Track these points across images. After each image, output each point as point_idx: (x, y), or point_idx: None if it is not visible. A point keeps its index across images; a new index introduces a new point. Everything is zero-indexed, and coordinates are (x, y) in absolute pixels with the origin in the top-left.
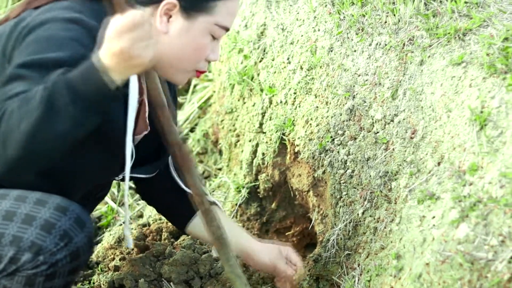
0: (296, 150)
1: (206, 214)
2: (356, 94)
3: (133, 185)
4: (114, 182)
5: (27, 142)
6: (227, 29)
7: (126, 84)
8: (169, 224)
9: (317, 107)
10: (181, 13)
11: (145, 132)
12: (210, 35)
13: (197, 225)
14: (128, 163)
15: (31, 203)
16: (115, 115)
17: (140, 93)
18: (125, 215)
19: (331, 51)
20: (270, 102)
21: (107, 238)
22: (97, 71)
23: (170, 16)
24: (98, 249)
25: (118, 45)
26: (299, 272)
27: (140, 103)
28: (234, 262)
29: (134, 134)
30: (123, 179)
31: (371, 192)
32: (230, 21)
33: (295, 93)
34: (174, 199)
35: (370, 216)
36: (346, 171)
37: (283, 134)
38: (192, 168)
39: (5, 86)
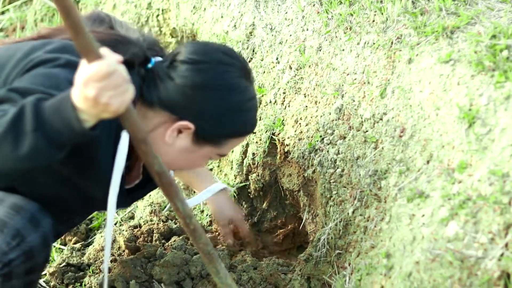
0: (286, 150)
1: (193, 233)
2: (345, 93)
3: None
4: None
5: None
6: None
7: (96, 127)
8: (160, 225)
9: (306, 106)
10: (192, 136)
11: (137, 181)
12: (208, 158)
13: None
14: (110, 228)
15: None
16: (104, 164)
17: (130, 153)
18: (103, 276)
19: (320, 50)
20: (260, 102)
21: (98, 240)
22: (68, 107)
23: (180, 132)
24: (90, 251)
25: (84, 93)
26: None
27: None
28: (224, 273)
29: (124, 185)
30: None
31: (361, 191)
32: (230, 151)
33: (284, 92)
34: None
35: (360, 215)
36: (336, 170)
37: (273, 134)
38: (175, 195)
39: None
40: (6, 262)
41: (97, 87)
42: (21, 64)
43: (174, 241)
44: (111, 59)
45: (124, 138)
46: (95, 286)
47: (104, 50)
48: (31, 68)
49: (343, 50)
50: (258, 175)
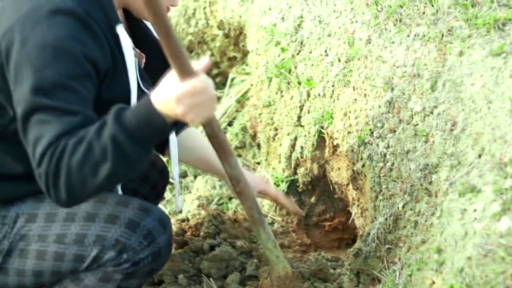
0: (335, 143)
1: (240, 196)
2: (395, 86)
3: None
4: None
5: (104, 185)
6: None
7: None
8: (208, 219)
9: (355, 99)
10: None
11: (143, 60)
12: None
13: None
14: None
15: (113, 204)
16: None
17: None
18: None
19: (369, 43)
20: (308, 95)
21: None
22: (154, 118)
23: None
24: None
25: (175, 109)
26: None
27: None
28: (265, 237)
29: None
30: None
31: (411, 185)
32: None
33: (333, 85)
34: None
35: (411, 209)
36: (385, 164)
37: (322, 127)
38: (229, 152)
39: (29, 116)
40: (136, 261)
41: (188, 103)
42: None
43: (222, 235)
44: (203, 76)
45: (121, 31)
46: None
47: (196, 67)
48: (11, 31)
49: (393, 42)
50: (307, 169)
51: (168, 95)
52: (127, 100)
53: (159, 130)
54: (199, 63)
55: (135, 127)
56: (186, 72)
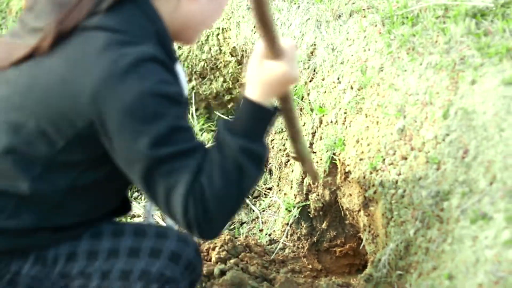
0: (346, 170)
1: (304, 165)
2: (407, 113)
3: None
4: None
5: (246, 196)
6: None
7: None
8: (219, 244)
9: (367, 126)
10: None
11: None
12: None
13: None
14: None
15: (153, 238)
16: None
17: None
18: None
19: (382, 70)
20: (320, 122)
21: None
22: (262, 112)
23: None
24: None
25: (292, 75)
26: None
27: None
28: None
29: None
30: None
31: (422, 212)
32: None
33: (345, 112)
34: None
35: (422, 236)
36: (397, 191)
37: (334, 153)
38: (300, 130)
39: (152, 172)
40: None
41: (295, 65)
42: (66, 97)
43: (233, 260)
44: (287, 40)
45: (180, 68)
46: None
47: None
48: (97, 99)
49: (405, 70)
50: (318, 195)
51: (272, 74)
52: None
53: (271, 119)
54: None
55: (254, 130)
56: (277, 49)
